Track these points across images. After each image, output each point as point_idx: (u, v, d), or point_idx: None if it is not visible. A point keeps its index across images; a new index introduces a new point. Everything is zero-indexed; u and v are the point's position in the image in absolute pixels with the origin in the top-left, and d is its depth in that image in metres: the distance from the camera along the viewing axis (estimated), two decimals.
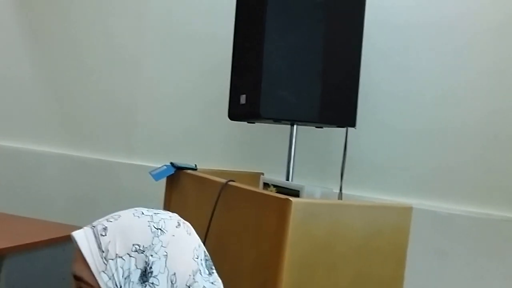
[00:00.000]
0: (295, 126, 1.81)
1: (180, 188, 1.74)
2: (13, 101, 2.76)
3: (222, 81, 1.94)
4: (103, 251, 0.78)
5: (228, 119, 1.90)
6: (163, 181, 1.76)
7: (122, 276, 0.77)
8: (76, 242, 0.80)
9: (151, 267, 0.77)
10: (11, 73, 2.76)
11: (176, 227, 0.83)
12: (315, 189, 1.45)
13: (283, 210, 1.20)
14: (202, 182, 1.62)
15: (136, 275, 0.77)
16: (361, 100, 1.79)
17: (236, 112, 1.86)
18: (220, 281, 0.85)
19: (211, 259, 0.86)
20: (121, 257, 0.77)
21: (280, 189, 1.52)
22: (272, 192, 1.49)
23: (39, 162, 2.65)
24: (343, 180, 1.84)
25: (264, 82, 1.64)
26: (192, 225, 0.87)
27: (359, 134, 1.95)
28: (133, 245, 0.78)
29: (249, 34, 1.78)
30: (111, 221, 0.81)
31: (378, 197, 1.96)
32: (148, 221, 0.81)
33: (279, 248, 1.20)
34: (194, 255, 0.82)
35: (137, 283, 0.77)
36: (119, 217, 0.83)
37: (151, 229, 0.80)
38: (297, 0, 1.69)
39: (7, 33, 2.77)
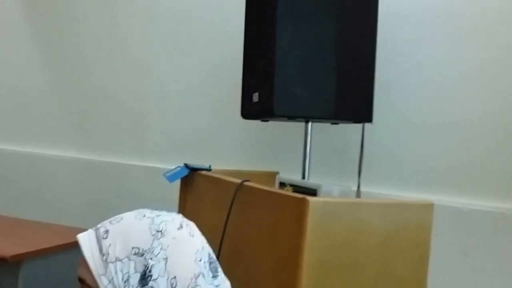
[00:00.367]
0: (310, 123, 1.77)
1: (195, 189, 1.72)
2: (26, 108, 2.79)
3: (234, 79, 1.92)
4: (103, 254, 0.78)
5: (241, 118, 1.88)
6: (177, 183, 1.74)
7: (122, 280, 0.76)
8: (80, 246, 0.81)
9: (150, 271, 0.76)
10: (24, 80, 2.79)
11: (178, 229, 0.81)
12: (332, 187, 1.42)
13: (300, 209, 1.18)
14: (216, 183, 1.61)
15: (135, 279, 0.76)
16: (377, 94, 1.74)
17: (249, 111, 1.83)
18: (227, 283, 0.84)
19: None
20: (121, 260, 0.77)
21: (296, 188, 1.50)
22: (288, 192, 1.47)
23: (53, 167, 2.66)
24: (361, 178, 1.80)
25: (276, 79, 1.60)
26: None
27: (376, 130, 1.90)
28: (133, 248, 0.77)
29: (260, 31, 1.75)
30: (113, 224, 0.81)
31: (398, 194, 1.90)
32: (149, 224, 0.80)
33: (297, 249, 1.17)
34: (196, 258, 0.80)
35: (137, 287, 0.76)
36: (121, 219, 0.82)
37: (151, 231, 0.79)
38: None
39: (19, 42, 2.80)
